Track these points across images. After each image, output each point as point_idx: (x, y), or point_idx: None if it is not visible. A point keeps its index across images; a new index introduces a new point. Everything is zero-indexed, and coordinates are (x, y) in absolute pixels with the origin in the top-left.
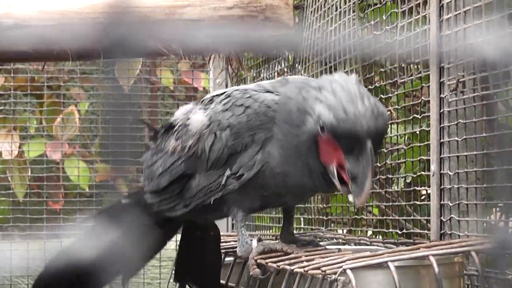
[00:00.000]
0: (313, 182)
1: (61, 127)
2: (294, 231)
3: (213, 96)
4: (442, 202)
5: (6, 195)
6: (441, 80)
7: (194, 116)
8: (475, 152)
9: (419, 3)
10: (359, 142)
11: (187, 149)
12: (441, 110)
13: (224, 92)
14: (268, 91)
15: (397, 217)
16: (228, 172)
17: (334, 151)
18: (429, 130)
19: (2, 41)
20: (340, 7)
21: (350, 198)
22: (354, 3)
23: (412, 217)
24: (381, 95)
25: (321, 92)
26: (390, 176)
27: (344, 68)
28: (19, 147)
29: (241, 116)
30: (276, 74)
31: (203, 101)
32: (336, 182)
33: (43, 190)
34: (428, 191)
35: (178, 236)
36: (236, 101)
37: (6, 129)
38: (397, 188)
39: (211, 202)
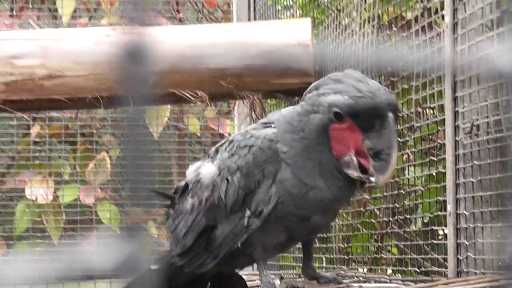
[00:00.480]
0: (327, 186)
1: (94, 172)
2: (316, 269)
3: (218, 147)
4: (458, 241)
5: (41, 237)
6: (456, 123)
7: (204, 169)
8: (489, 193)
9: (433, 51)
10: (380, 116)
11: (204, 202)
12: (457, 153)
13: (227, 140)
14: (266, 126)
15: (415, 256)
16: (248, 213)
17: (350, 136)
18: (445, 172)
19: (38, 91)
20: (357, 55)
21: (373, 179)
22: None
23: (429, 256)
24: (399, 139)
25: (319, 90)
26: (408, 216)
27: None
28: (54, 192)
29: (247, 156)
30: None
31: (209, 155)
32: (353, 171)
33: (77, 233)
34: (445, 231)
35: None
36: (240, 143)
37: (42, 174)
38: (415, 228)
39: (239, 246)
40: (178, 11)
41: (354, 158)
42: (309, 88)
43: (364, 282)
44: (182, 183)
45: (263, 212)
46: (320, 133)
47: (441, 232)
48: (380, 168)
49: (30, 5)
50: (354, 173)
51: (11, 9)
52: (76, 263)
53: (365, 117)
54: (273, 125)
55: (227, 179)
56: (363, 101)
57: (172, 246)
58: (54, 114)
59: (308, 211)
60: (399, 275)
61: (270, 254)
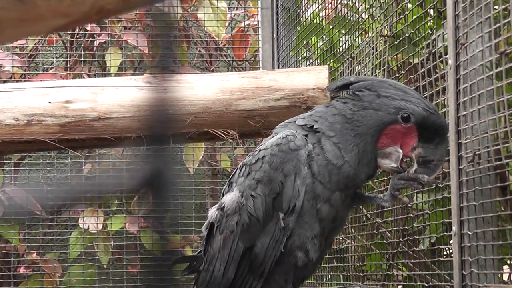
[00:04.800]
0: (359, 167)
1: (138, 204)
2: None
3: (229, 180)
4: (463, 258)
5: (92, 261)
6: (460, 154)
7: (226, 199)
8: (490, 214)
9: (438, 91)
10: (442, 133)
11: (236, 227)
12: (460, 179)
13: (236, 170)
14: (271, 137)
15: (423, 273)
16: (281, 215)
17: (405, 138)
18: (450, 197)
19: (88, 131)
20: None
21: (393, 164)
22: None
23: (436, 272)
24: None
25: (378, 92)
26: (417, 237)
27: None
28: (103, 221)
29: (263, 166)
30: None
31: (223, 192)
32: (390, 161)
33: (123, 256)
34: (450, 250)
35: None
36: (251, 161)
37: (93, 207)
38: (423, 247)
39: (283, 250)
40: (211, 63)
41: (400, 151)
42: (357, 84)
43: None
44: (204, 234)
45: (296, 205)
46: (377, 127)
47: (445, 253)
48: (424, 172)
49: (83, 59)
50: (391, 163)
51: (66, 63)
52: (108, 182)
53: (431, 131)
54: (281, 132)
55: (251, 195)
56: (434, 118)
57: None
58: (103, 151)
59: (335, 185)
60: None
61: (311, 256)
